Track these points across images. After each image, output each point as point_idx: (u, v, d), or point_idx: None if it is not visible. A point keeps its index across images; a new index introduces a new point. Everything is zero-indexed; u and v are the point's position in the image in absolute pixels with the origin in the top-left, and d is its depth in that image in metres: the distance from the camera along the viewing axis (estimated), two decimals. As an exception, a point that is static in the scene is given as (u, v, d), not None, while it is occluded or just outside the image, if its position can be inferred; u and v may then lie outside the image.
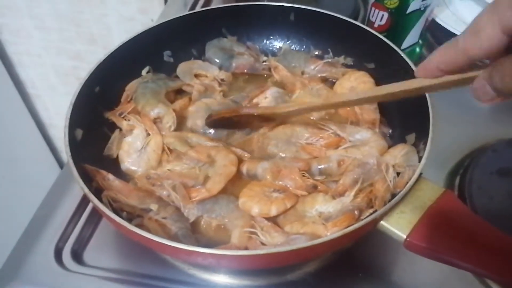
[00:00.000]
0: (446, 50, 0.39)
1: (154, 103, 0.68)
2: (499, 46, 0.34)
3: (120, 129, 0.68)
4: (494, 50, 0.35)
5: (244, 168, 0.63)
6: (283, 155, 0.64)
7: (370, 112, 0.67)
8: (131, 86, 0.71)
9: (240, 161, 0.64)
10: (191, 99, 0.72)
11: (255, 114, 0.64)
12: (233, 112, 0.65)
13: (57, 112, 1.66)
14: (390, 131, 0.67)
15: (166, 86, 0.72)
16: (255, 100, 0.70)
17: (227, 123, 0.66)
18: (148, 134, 0.66)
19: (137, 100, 0.69)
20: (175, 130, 0.68)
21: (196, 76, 0.75)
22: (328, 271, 0.62)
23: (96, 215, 0.67)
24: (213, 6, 0.97)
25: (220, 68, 0.77)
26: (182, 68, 0.76)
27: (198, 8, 1.00)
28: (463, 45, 0.37)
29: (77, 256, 0.63)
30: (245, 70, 0.77)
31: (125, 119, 0.67)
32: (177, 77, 0.76)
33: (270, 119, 0.65)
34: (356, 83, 0.70)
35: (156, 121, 0.68)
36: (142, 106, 0.68)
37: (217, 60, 0.78)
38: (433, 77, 0.42)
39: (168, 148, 0.65)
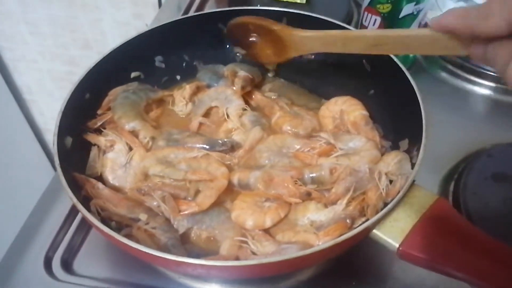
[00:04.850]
0: (459, 18, 0.43)
1: (131, 117, 0.66)
2: (501, 34, 0.38)
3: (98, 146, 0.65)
4: (495, 35, 0.39)
5: (235, 179, 0.61)
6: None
7: (368, 131, 0.65)
8: (114, 91, 0.69)
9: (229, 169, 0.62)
10: (164, 110, 0.73)
11: (275, 28, 0.67)
12: (254, 20, 0.70)
13: (52, 117, 1.63)
14: (390, 144, 0.65)
15: (147, 97, 0.70)
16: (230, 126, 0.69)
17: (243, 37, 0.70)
18: (130, 148, 0.64)
19: (115, 110, 0.67)
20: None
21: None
22: (321, 279, 0.61)
23: (86, 224, 0.66)
24: (206, 10, 0.97)
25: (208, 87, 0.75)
26: None
27: (191, 13, 1.00)
28: (473, 22, 0.40)
29: (66, 265, 0.63)
30: None
31: (102, 134, 0.65)
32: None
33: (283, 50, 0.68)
34: (345, 106, 0.69)
35: (133, 134, 0.66)
36: (118, 118, 0.66)
37: (204, 81, 0.76)
38: (443, 32, 0.46)
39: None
